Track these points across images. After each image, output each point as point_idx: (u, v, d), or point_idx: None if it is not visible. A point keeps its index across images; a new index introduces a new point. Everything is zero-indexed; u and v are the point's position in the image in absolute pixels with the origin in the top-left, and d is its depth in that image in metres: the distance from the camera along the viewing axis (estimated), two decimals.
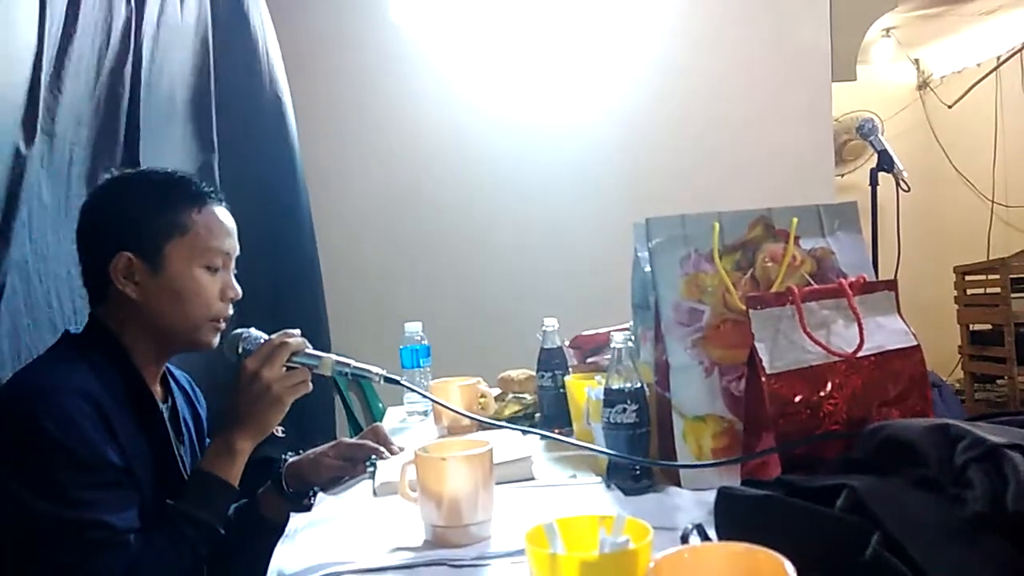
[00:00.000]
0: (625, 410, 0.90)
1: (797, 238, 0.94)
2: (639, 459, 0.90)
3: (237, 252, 1.03)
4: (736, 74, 2.65)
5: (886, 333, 0.84)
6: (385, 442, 1.10)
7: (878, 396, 0.81)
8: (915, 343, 0.84)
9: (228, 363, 0.99)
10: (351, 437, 1.95)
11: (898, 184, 2.15)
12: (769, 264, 0.94)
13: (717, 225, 0.93)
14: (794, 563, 0.48)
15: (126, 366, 0.94)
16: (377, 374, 0.95)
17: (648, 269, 0.97)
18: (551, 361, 1.24)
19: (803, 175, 2.63)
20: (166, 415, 0.99)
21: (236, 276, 1.02)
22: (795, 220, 0.94)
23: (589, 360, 1.33)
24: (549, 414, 1.23)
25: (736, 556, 0.52)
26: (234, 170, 1.82)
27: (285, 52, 2.22)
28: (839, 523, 0.57)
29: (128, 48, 1.39)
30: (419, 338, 1.47)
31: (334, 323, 2.38)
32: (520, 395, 1.40)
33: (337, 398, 2.48)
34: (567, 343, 1.33)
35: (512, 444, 1.07)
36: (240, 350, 0.97)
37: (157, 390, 1.01)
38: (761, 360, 0.79)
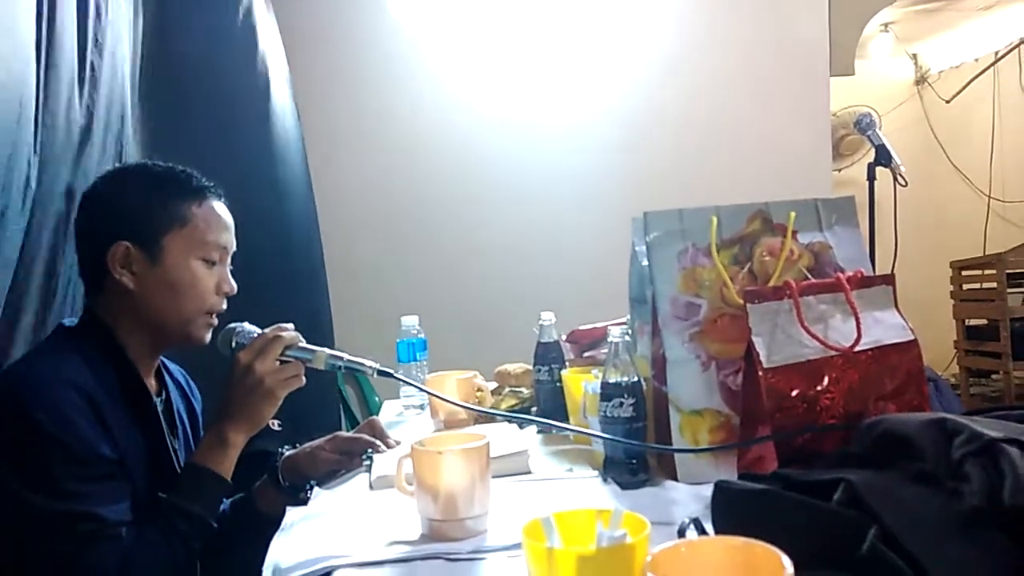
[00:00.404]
0: (622, 404, 0.89)
1: (795, 232, 0.94)
2: (634, 443, 0.89)
3: (234, 247, 1.03)
4: (734, 68, 2.64)
5: (883, 327, 0.84)
6: (381, 436, 1.10)
7: (875, 390, 0.81)
8: (912, 338, 0.84)
9: (222, 358, 0.98)
10: (348, 431, 1.94)
11: (895, 179, 2.15)
12: (767, 258, 0.94)
13: (715, 219, 0.93)
14: (791, 557, 0.48)
15: (120, 359, 0.94)
16: (371, 367, 0.95)
17: (646, 263, 0.97)
18: (548, 355, 1.24)
19: (801, 169, 2.63)
20: (160, 408, 0.99)
21: (232, 272, 1.02)
22: (793, 214, 0.94)
23: (586, 354, 1.33)
24: (546, 408, 1.23)
25: (733, 550, 0.52)
26: (243, 166, 1.82)
27: (285, 49, 2.22)
28: (836, 517, 0.57)
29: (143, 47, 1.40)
30: (416, 332, 1.47)
31: (332, 316, 2.38)
32: (517, 389, 1.40)
33: (334, 391, 2.48)
34: (564, 337, 1.33)
35: (509, 438, 1.07)
36: (233, 344, 0.97)
37: (151, 383, 1.01)
38: (758, 354, 0.79)
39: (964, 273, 3.74)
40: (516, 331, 1.48)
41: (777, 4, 2.67)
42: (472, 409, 1.12)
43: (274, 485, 1.05)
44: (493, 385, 1.42)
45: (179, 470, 0.96)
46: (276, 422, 1.04)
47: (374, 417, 1.18)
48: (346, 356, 0.95)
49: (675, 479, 0.91)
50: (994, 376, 3.87)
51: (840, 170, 3.88)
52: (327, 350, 0.95)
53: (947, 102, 4.36)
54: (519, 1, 2.58)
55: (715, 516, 0.65)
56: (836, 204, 0.98)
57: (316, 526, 0.86)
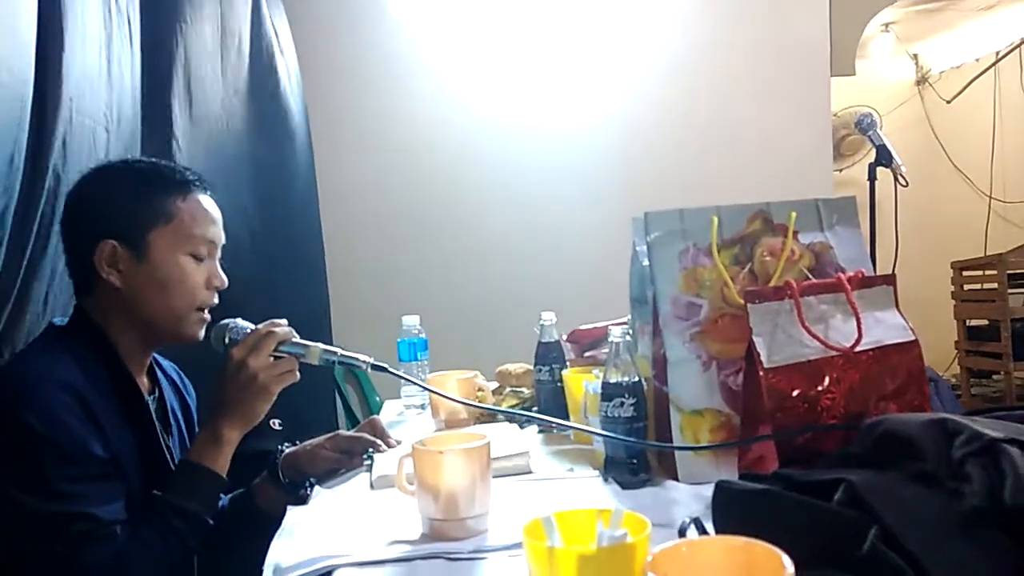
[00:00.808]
0: (623, 404, 0.90)
1: (795, 232, 0.94)
2: (634, 440, 0.90)
3: (223, 240, 1.02)
4: (735, 69, 2.64)
5: (884, 328, 0.84)
6: (382, 435, 1.10)
7: (876, 391, 0.81)
8: (913, 338, 0.84)
9: (215, 353, 0.98)
10: (348, 430, 1.92)
11: (896, 179, 2.15)
12: (767, 258, 0.94)
13: (715, 219, 0.93)
14: (792, 557, 0.48)
15: (111, 357, 0.94)
16: (365, 361, 0.94)
17: (646, 263, 0.97)
18: (549, 355, 1.24)
19: (802, 170, 2.63)
20: (153, 406, 0.99)
21: (222, 265, 1.01)
22: (793, 214, 0.94)
23: (587, 354, 1.33)
24: (547, 408, 1.23)
25: (734, 550, 0.52)
26: (255, 166, 1.82)
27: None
28: (837, 517, 0.57)
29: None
30: (417, 331, 1.47)
31: (333, 316, 2.38)
32: (518, 389, 1.40)
33: (335, 391, 2.48)
34: (565, 337, 1.33)
35: (510, 439, 1.07)
36: (227, 340, 0.96)
37: (144, 381, 1.00)
38: (759, 354, 0.79)
39: (965, 273, 3.74)
40: (517, 331, 1.48)
41: (778, 5, 2.66)
42: (469, 405, 1.11)
43: (273, 482, 1.04)
44: (494, 385, 1.42)
45: (173, 468, 0.95)
46: (277, 421, 1.04)
47: (375, 416, 1.18)
48: (340, 351, 0.95)
49: (676, 479, 0.91)
50: (995, 376, 3.86)
51: (841, 170, 3.88)
52: (321, 345, 0.95)
53: (948, 102, 4.36)
54: (520, 3, 2.58)
55: (716, 516, 0.65)
56: (837, 204, 0.97)
57: (317, 525, 0.86)
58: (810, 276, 0.92)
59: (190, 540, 0.88)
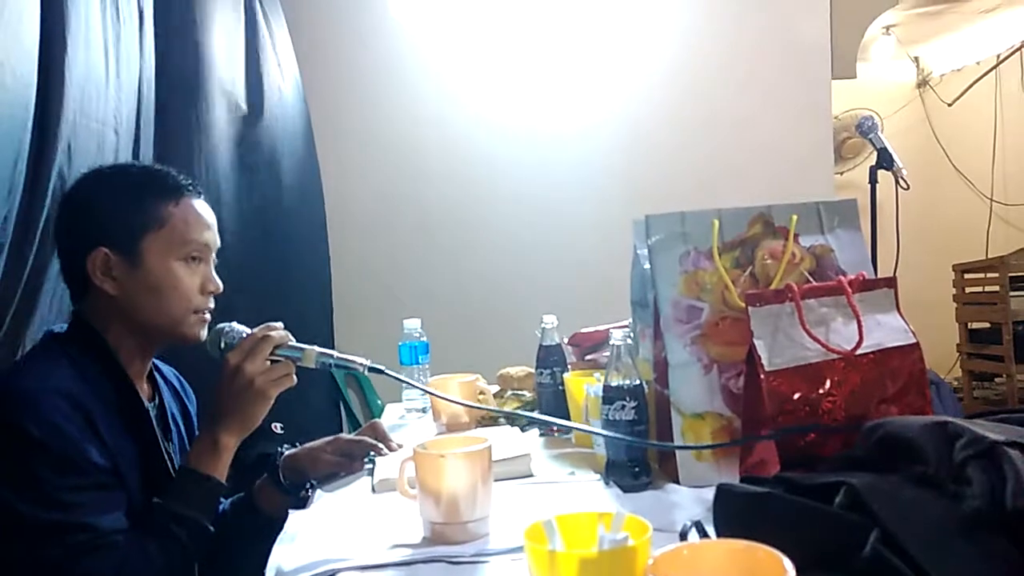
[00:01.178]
0: (624, 407, 0.90)
1: (796, 235, 0.94)
2: (637, 440, 0.89)
3: (217, 245, 1.01)
4: (736, 71, 2.64)
5: (885, 330, 0.84)
6: (384, 438, 1.10)
7: (877, 393, 0.81)
8: (914, 341, 0.84)
9: (214, 358, 0.98)
10: (350, 434, 1.90)
11: (897, 182, 2.15)
12: (768, 261, 0.94)
13: (716, 222, 0.93)
14: (793, 560, 0.48)
15: (111, 364, 0.93)
16: (361, 364, 0.94)
17: (647, 266, 0.97)
18: (550, 358, 1.24)
19: (803, 172, 2.63)
20: (153, 413, 0.98)
21: (218, 270, 1.01)
22: (794, 217, 0.94)
23: (588, 357, 1.33)
24: (548, 411, 1.23)
25: (735, 553, 0.52)
26: (264, 172, 1.83)
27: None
28: (838, 520, 0.57)
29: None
30: (418, 335, 1.47)
31: (335, 319, 2.39)
32: (519, 392, 1.40)
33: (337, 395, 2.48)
34: (566, 340, 1.33)
35: (511, 441, 1.07)
36: (222, 344, 0.95)
37: (144, 387, 1.00)
38: (760, 357, 0.79)
39: (966, 276, 3.73)
40: (518, 334, 1.48)
41: (779, 7, 2.67)
42: (465, 405, 1.10)
43: (274, 484, 1.04)
44: (495, 388, 1.42)
45: (173, 475, 0.95)
46: (278, 425, 1.03)
47: (376, 420, 1.18)
48: (336, 354, 0.94)
49: (677, 482, 0.91)
50: (997, 379, 3.85)
51: (842, 173, 3.87)
52: (317, 348, 0.94)
53: (949, 105, 4.36)
54: (521, 4, 2.59)
55: (717, 519, 0.65)
56: (838, 207, 0.98)
57: (318, 529, 0.86)
58: (811, 279, 0.92)
59: (190, 547, 0.88)
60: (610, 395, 0.91)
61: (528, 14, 2.59)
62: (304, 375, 0.96)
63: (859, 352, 0.80)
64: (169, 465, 0.97)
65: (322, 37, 2.52)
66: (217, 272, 1.01)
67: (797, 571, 0.47)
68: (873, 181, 2.21)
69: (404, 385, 1.47)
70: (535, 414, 1.29)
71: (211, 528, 0.90)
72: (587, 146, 2.61)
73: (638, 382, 0.91)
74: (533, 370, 1.29)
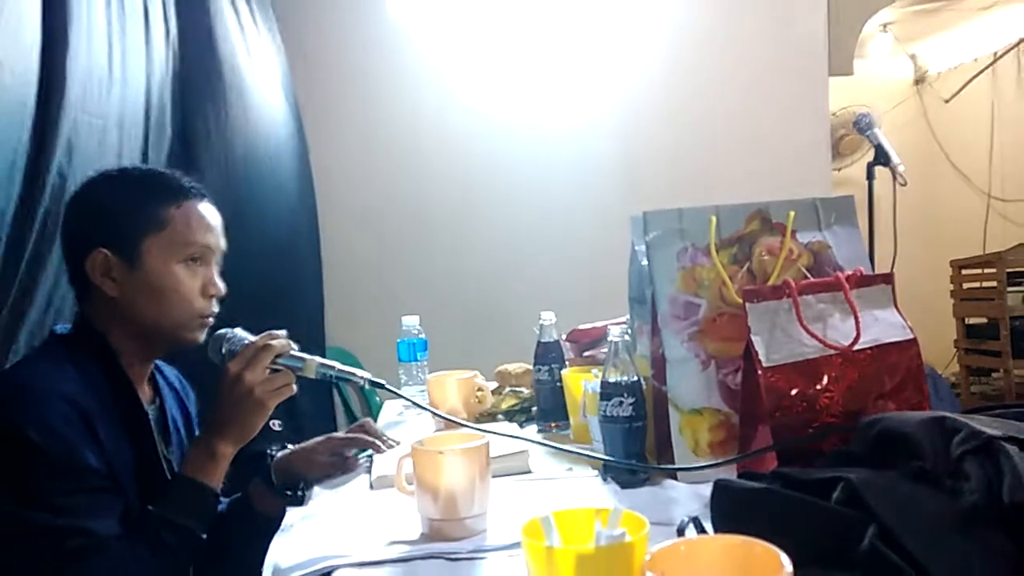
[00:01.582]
0: (621, 403, 0.90)
1: (794, 232, 0.94)
2: (638, 464, 0.90)
3: (222, 248, 1.00)
4: (733, 68, 2.64)
5: (883, 326, 0.84)
6: (376, 436, 1.10)
7: (874, 389, 0.81)
8: (911, 336, 0.84)
9: (212, 363, 0.97)
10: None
11: (895, 178, 2.15)
12: (766, 258, 0.94)
13: (714, 219, 0.93)
14: (790, 556, 0.48)
15: (112, 367, 0.93)
16: (362, 377, 0.93)
17: (645, 263, 0.97)
18: (548, 355, 1.24)
19: (800, 169, 2.63)
20: (153, 416, 0.98)
21: (222, 273, 1.00)
22: (792, 214, 0.94)
23: (586, 354, 1.33)
24: (546, 408, 1.23)
25: (732, 549, 0.52)
26: (248, 167, 1.83)
27: (289, 52, 2.22)
28: (835, 516, 0.57)
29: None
30: (416, 332, 1.47)
31: (332, 317, 2.38)
32: (517, 389, 1.40)
33: (335, 392, 2.48)
34: (564, 337, 1.33)
35: (509, 438, 1.06)
36: (223, 351, 0.95)
37: (145, 390, 0.99)
38: (757, 353, 0.79)
39: (964, 272, 3.74)
40: (516, 331, 1.48)
41: (776, 4, 2.66)
42: (457, 423, 1.05)
43: (267, 486, 1.04)
44: (493, 385, 1.42)
45: (170, 479, 0.95)
46: (277, 422, 1.03)
47: (368, 419, 1.18)
48: (337, 365, 0.94)
49: (674, 478, 0.91)
50: (994, 374, 3.86)
51: (839, 169, 3.88)
52: (318, 359, 0.94)
53: (946, 102, 4.36)
54: (519, 1, 2.58)
55: (714, 515, 0.65)
56: (835, 203, 0.98)
57: (316, 526, 0.86)
58: (808, 275, 0.92)
59: (182, 555, 0.88)
60: (608, 391, 0.91)
61: (525, 10, 2.59)
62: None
63: (856, 348, 0.80)
64: (166, 469, 0.96)
65: (313, 32, 2.50)
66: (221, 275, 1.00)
67: (794, 567, 0.47)
68: (870, 177, 2.21)
69: (403, 380, 1.47)
70: (532, 412, 1.28)
71: (204, 537, 0.90)
72: (585, 142, 2.60)
73: (636, 378, 0.91)
74: (531, 367, 1.29)
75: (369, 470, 1.03)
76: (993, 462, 0.57)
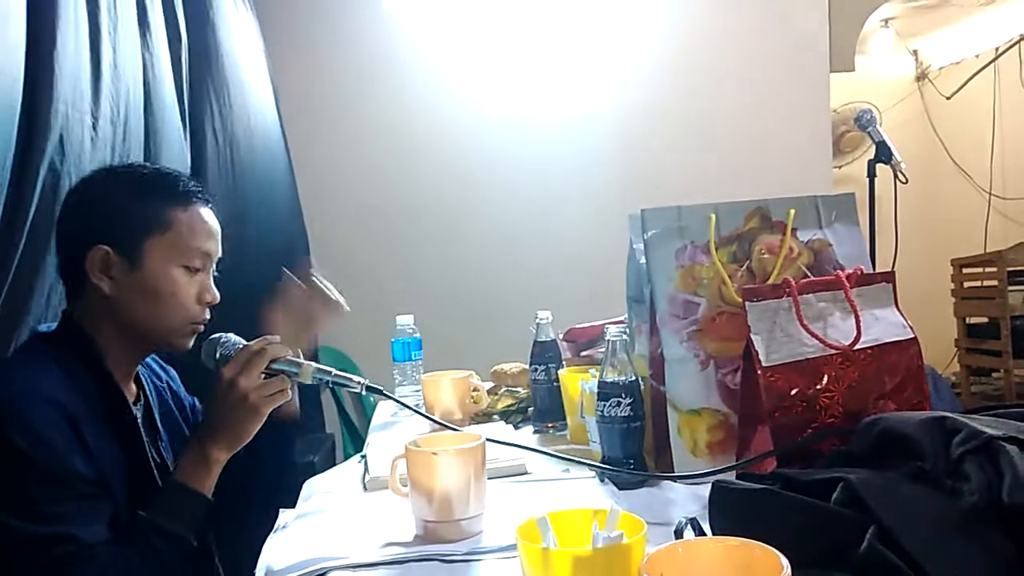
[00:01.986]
0: (619, 404, 0.89)
1: (794, 230, 0.93)
2: (639, 473, 0.89)
3: (219, 255, 1.00)
4: (734, 64, 2.63)
5: (883, 326, 0.83)
6: (307, 280, 1.06)
7: (875, 389, 0.80)
8: (912, 336, 0.83)
9: (204, 368, 0.96)
10: (344, 432, 1.92)
11: (896, 176, 2.14)
12: (766, 256, 0.93)
13: (713, 217, 0.92)
14: (789, 557, 0.47)
15: (98, 368, 0.92)
16: (358, 383, 0.92)
17: (643, 261, 0.96)
18: (545, 354, 1.23)
19: (801, 166, 2.62)
20: (139, 414, 0.97)
21: (216, 279, 1.00)
22: (792, 211, 0.93)
23: (583, 353, 1.32)
24: (542, 408, 1.22)
25: (731, 550, 0.52)
26: (225, 167, 1.81)
27: (274, 41, 2.20)
28: (835, 517, 0.57)
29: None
30: (411, 331, 1.46)
31: None
32: (513, 389, 1.39)
33: (328, 391, 2.47)
34: (561, 336, 1.33)
35: (505, 438, 1.06)
36: (218, 355, 0.94)
37: (131, 389, 0.98)
38: (757, 353, 0.78)
39: (965, 271, 3.73)
40: (512, 330, 1.47)
41: (777, 0, 2.66)
42: (451, 428, 1.05)
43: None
44: (489, 385, 1.41)
45: (159, 480, 0.94)
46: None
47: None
48: (333, 371, 0.93)
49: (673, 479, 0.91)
50: (995, 374, 3.85)
51: (840, 167, 3.87)
52: (314, 364, 0.93)
53: (948, 98, 4.35)
54: None
55: (713, 516, 0.64)
56: (836, 201, 0.97)
57: (310, 527, 0.86)
58: (809, 274, 0.91)
59: (172, 562, 0.86)
60: (605, 391, 0.90)
61: (521, 7, 2.58)
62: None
63: (857, 347, 0.80)
64: (155, 472, 0.95)
65: (302, 26, 2.49)
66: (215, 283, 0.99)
67: (793, 568, 0.46)
68: (871, 175, 2.20)
69: (397, 380, 1.46)
70: (528, 412, 1.28)
71: (194, 543, 0.89)
72: (584, 140, 2.60)
73: (634, 378, 0.90)
74: (527, 366, 1.28)
75: (365, 471, 1.02)
76: (993, 463, 0.56)
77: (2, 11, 0.96)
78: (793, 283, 0.81)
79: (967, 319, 3.73)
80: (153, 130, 1.45)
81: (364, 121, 2.56)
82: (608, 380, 0.90)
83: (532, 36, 2.59)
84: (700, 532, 0.62)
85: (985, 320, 3.63)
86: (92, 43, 1.21)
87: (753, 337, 0.79)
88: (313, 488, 1.01)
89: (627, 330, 0.94)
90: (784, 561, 0.47)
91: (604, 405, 0.90)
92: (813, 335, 0.79)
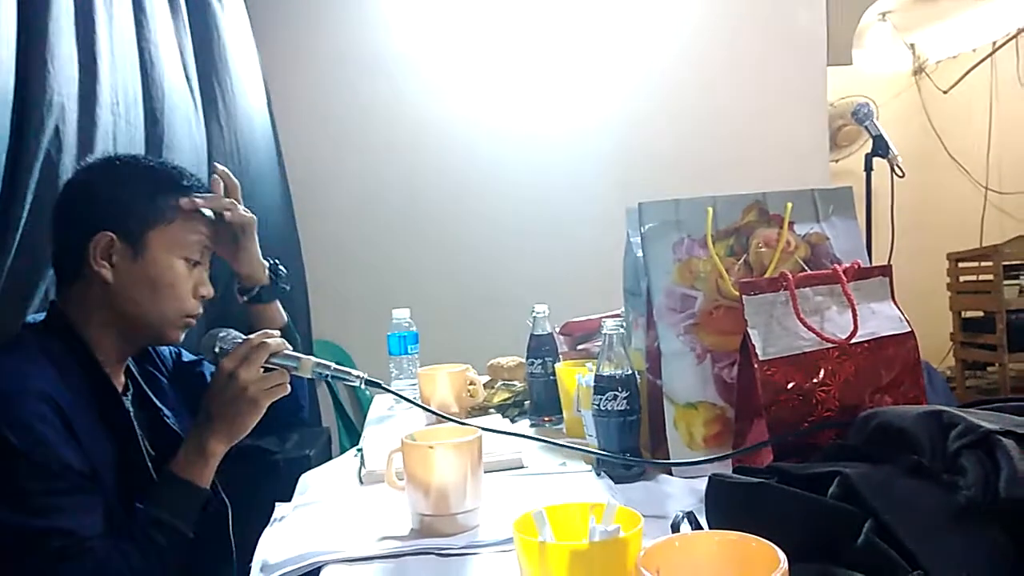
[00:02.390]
0: (616, 397, 0.89)
1: (791, 223, 0.93)
2: (633, 459, 0.89)
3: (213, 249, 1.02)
4: (730, 58, 2.63)
5: (880, 319, 0.83)
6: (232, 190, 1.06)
7: (871, 383, 0.80)
8: (908, 329, 0.83)
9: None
10: (340, 426, 1.92)
11: (893, 170, 2.14)
12: (763, 249, 0.93)
13: (711, 210, 0.92)
14: (786, 551, 0.47)
15: (88, 360, 0.91)
16: (358, 376, 0.92)
17: (640, 254, 0.96)
18: (541, 348, 1.23)
19: (798, 160, 2.62)
20: (131, 408, 0.96)
21: (211, 275, 1.00)
22: (789, 205, 0.93)
23: (580, 347, 1.32)
24: (539, 402, 1.22)
25: (727, 544, 0.52)
26: (232, 154, 1.81)
27: (268, 40, 2.19)
28: (831, 511, 0.57)
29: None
30: (407, 325, 1.46)
31: (322, 310, 2.37)
32: (509, 382, 1.39)
33: (323, 385, 2.46)
34: (557, 329, 1.32)
35: (501, 437, 1.05)
36: (217, 349, 0.94)
37: (120, 380, 0.98)
38: (754, 346, 0.78)
39: (960, 265, 3.74)
40: (509, 324, 1.47)
41: None
42: (449, 419, 1.03)
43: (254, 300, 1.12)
44: (486, 378, 1.41)
45: (153, 473, 0.93)
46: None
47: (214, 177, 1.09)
48: (333, 365, 0.93)
49: (669, 473, 0.91)
50: (990, 368, 3.87)
51: (837, 160, 3.87)
52: (313, 358, 0.93)
53: (944, 92, 4.35)
54: None
55: (709, 510, 0.64)
56: (833, 195, 0.97)
57: (305, 521, 0.86)
58: (806, 267, 0.91)
59: (169, 554, 0.86)
60: (602, 385, 0.90)
61: (517, 2, 2.56)
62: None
63: (854, 341, 0.80)
64: (147, 460, 0.94)
65: (296, 23, 2.46)
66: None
67: (790, 562, 0.46)
68: (868, 169, 2.20)
69: (393, 374, 1.45)
70: (525, 406, 1.27)
71: (191, 536, 0.89)
72: (579, 133, 2.59)
73: (630, 372, 0.90)
74: (524, 360, 1.27)
75: (361, 464, 1.02)
76: (990, 456, 0.56)
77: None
78: (790, 277, 0.81)
79: (962, 313, 3.74)
80: (156, 118, 1.45)
81: (359, 113, 2.54)
82: (604, 374, 0.90)
83: (525, 28, 2.57)
84: (697, 526, 0.62)
85: (980, 314, 3.64)
86: (86, 31, 1.20)
87: (750, 330, 0.79)
88: (309, 482, 1.01)
89: (624, 324, 0.94)
90: (781, 555, 0.47)
91: (600, 399, 0.90)
92: (810, 329, 0.79)
